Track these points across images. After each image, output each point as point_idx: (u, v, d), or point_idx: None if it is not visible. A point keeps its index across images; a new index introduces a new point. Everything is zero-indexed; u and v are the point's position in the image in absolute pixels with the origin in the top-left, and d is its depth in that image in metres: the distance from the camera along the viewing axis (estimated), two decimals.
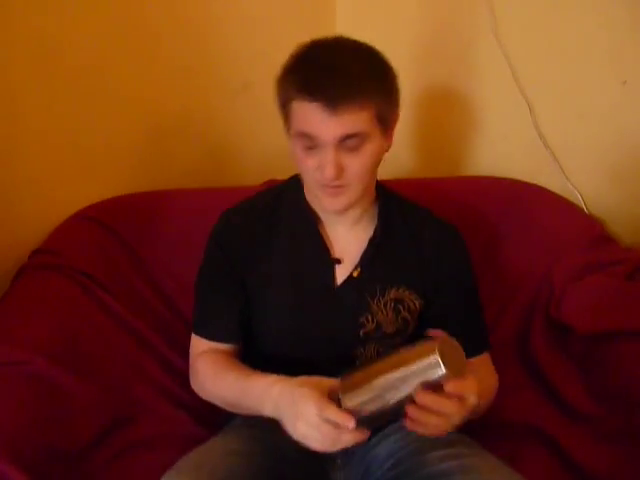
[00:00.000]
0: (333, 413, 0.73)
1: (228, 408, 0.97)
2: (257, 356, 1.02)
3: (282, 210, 1.01)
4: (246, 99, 1.54)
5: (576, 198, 1.36)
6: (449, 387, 0.72)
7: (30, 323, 1.06)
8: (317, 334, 0.98)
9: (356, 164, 0.87)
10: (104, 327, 1.15)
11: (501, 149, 1.49)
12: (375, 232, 0.98)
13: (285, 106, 0.88)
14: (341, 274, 0.98)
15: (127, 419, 1.10)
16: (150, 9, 1.36)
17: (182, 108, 1.46)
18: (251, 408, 0.88)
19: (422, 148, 1.63)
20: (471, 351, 0.96)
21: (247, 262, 0.99)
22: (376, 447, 0.97)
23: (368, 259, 0.98)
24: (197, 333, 1.03)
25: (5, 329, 1.05)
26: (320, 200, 0.93)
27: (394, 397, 0.74)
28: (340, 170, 0.86)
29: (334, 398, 0.76)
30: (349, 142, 0.84)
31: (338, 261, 0.98)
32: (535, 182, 1.41)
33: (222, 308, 1.01)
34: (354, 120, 0.83)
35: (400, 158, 1.65)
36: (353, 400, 0.75)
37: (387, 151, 0.93)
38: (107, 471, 1.00)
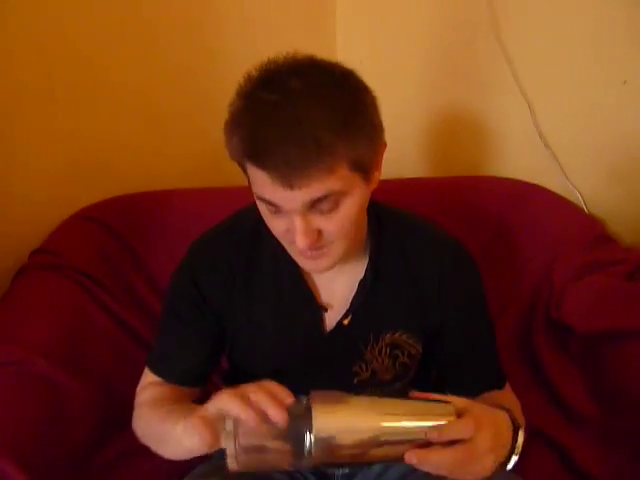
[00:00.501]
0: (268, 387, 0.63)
1: (155, 446, 0.81)
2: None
3: (261, 246, 0.86)
4: None
5: (576, 198, 1.36)
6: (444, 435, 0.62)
7: (30, 323, 1.06)
8: (307, 384, 0.86)
9: (334, 224, 0.71)
10: (104, 327, 1.15)
11: (501, 149, 1.49)
12: (365, 273, 0.85)
13: (239, 163, 0.72)
14: (330, 321, 0.87)
15: (125, 420, 1.09)
16: (150, 10, 1.36)
17: (182, 108, 1.46)
18: (166, 430, 0.75)
19: (422, 148, 1.63)
20: (491, 388, 0.90)
21: (226, 302, 0.87)
22: (383, 475, 0.89)
23: (359, 304, 0.85)
24: (151, 368, 0.91)
25: (5, 329, 1.05)
26: (297, 261, 0.79)
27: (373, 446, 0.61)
28: (315, 235, 0.71)
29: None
30: (321, 205, 0.69)
31: (325, 308, 0.86)
32: (535, 182, 1.41)
33: (185, 347, 0.89)
34: (320, 187, 0.67)
35: (400, 158, 1.65)
36: (327, 425, 0.60)
37: (377, 182, 0.78)
38: (107, 472, 1.01)
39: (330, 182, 0.67)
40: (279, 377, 0.84)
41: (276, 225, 0.74)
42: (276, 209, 0.71)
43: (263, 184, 0.68)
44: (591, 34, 1.27)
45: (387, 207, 0.90)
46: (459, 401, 0.67)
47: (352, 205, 0.71)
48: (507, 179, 1.44)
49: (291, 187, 0.66)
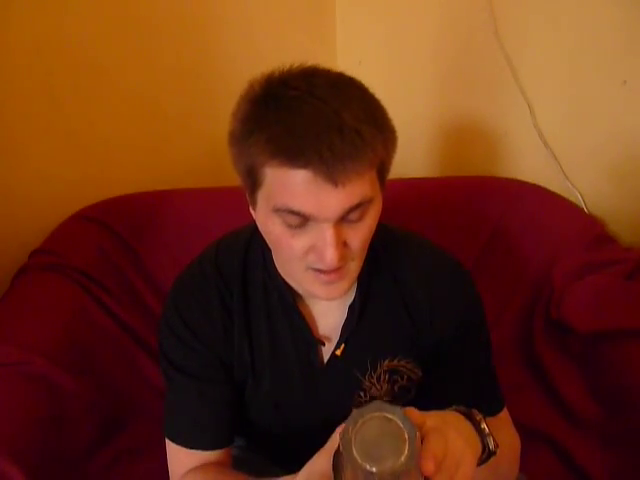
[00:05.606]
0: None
1: None
2: (248, 429, 0.89)
3: (250, 281, 0.80)
4: None
5: (576, 198, 1.36)
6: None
7: (30, 323, 1.06)
8: (305, 419, 0.83)
9: (359, 236, 0.66)
10: (104, 327, 1.16)
11: (501, 149, 1.49)
12: (354, 296, 0.78)
13: (251, 172, 0.64)
14: (326, 353, 0.81)
15: (126, 420, 1.10)
16: (152, 10, 1.36)
17: (182, 108, 1.47)
18: None
19: (421, 149, 1.63)
20: (487, 413, 0.80)
21: (223, 345, 0.79)
22: None
23: (350, 332, 0.79)
24: (176, 441, 0.79)
25: (5, 329, 1.05)
26: (309, 288, 0.71)
27: None
28: (343, 250, 0.65)
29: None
30: (352, 214, 0.64)
31: (323, 342, 0.80)
32: (535, 182, 1.41)
33: (212, 409, 0.79)
34: (360, 187, 0.62)
35: (399, 159, 1.65)
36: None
37: None
38: (107, 472, 1.01)
39: (366, 185, 0.63)
40: (279, 410, 0.83)
41: (296, 244, 0.65)
42: (302, 222, 0.63)
43: (295, 189, 0.61)
44: (591, 34, 1.27)
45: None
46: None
47: (374, 215, 0.67)
48: (507, 179, 1.44)
49: (335, 183, 0.59)
